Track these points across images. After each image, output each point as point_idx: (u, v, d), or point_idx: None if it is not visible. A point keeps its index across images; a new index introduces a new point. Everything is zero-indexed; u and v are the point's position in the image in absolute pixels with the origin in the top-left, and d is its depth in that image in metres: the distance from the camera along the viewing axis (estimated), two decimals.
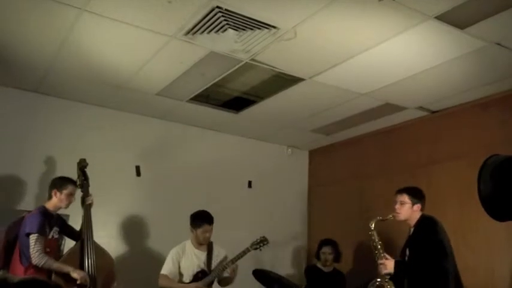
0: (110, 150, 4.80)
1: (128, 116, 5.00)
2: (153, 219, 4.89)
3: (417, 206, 3.44)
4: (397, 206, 3.47)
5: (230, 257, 4.06)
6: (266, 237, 4.19)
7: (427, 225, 3.35)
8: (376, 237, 3.48)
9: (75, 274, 3.45)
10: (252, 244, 4.12)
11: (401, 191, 3.51)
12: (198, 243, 4.07)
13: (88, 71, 3.99)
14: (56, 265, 3.45)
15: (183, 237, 4.18)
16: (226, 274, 4.05)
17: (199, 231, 4.02)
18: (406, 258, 3.40)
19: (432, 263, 3.15)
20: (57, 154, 4.48)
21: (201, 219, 4.06)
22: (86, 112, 4.76)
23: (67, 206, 3.71)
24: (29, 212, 3.69)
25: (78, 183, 3.88)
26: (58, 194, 3.63)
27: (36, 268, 3.37)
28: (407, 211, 3.43)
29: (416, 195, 3.48)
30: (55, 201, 3.64)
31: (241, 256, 4.00)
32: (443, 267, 3.14)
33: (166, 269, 3.98)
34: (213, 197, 5.07)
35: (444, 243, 3.23)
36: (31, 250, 3.37)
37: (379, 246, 3.44)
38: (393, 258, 3.37)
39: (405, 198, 3.45)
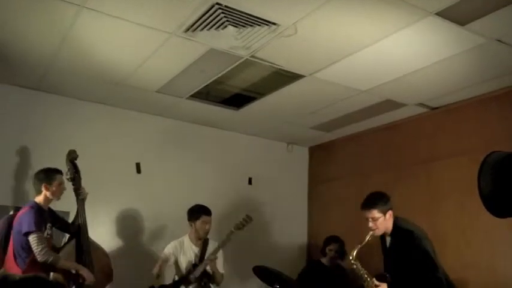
0: (110, 148, 4.81)
1: (128, 113, 5.00)
2: (153, 216, 4.89)
3: (389, 214, 3.24)
4: (371, 224, 3.22)
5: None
6: (249, 215, 4.12)
7: (405, 239, 3.16)
8: (359, 267, 3.25)
9: (83, 272, 3.43)
10: (235, 225, 4.06)
11: (367, 207, 3.25)
12: (197, 238, 4.07)
13: (88, 68, 3.99)
14: (62, 262, 3.41)
15: (184, 234, 4.19)
16: (220, 269, 4.03)
17: (198, 222, 4.01)
18: (389, 272, 3.28)
19: (426, 278, 3.02)
20: (56, 151, 4.46)
21: (200, 210, 4.06)
22: (86, 109, 4.76)
23: (59, 198, 3.59)
24: (17, 208, 3.62)
25: (69, 176, 3.75)
26: (49, 187, 3.50)
27: (33, 269, 3.28)
28: (382, 224, 3.22)
29: (384, 203, 3.25)
30: (47, 195, 3.51)
31: (227, 240, 3.97)
32: (438, 278, 3.02)
33: (165, 253, 4.02)
34: (213, 194, 5.07)
35: (430, 253, 3.08)
36: (35, 249, 3.29)
37: (366, 275, 3.23)
38: (383, 282, 3.18)
39: (375, 213, 3.21)
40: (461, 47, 3.34)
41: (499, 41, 3.23)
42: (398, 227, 3.24)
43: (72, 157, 3.84)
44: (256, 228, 5.30)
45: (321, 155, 6.03)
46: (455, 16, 2.95)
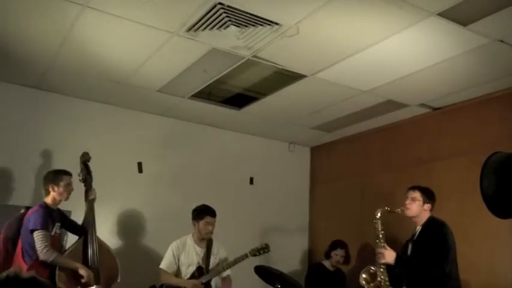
0: (111, 147, 4.81)
1: (130, 113, 5.00)
2: (154, 216, 4.90)
3: (428, 206, 3.42)
4: (408, 202, 3.44)
5: (230, 257, 4.06)
6: (268, 244, 4.17)
7: (436, 227, 3.32)
8: (379, 226, 3.43)
9: (83, 271, 3.43)
10: (252, 250, 4.10)
11: (414, 188, 3.50)
12: (200, 238, 4.07)
13: (89, 67, 3.99)
14: (63, 261, 3.43)
15: (185, 233, 4.19)
16: (224, 274, 4.08)
17: (202, 223, 4.03)
18: (408, 254, 3.40)
19: (436, 265, 3.15)
20: (57, 150, 4.48)
21: (204, 211, 4.07)
22: (87, 109, 4.76)
23: (67, 198, 3.63)
24: (27, 207, 3.66)
25: (81, 177, 3.83)
26: (56, 187, 3.55)
27: (40, 266, 3.31)
28: (417, 208, 3.41)
29: (429, 195, 3.46)
30: (54, 196, 3.56)
31: (240, 261, 4.01)
32: (445, 270, 3.14)
33: (166, 263, 4.02)
34: (215, 194, 5.07)
35: (450, 247, 3.23)
36: (37, 246, 3.32)
37: (380, 236, 3.41)
38: (394, 251, 3.36)
39: (417, 195, 3.43)
40: (463, 47, 3.33)
41: (501, 41, 3.22)
42: (433, 219, 3.41)
43: (85, 159, 3.91)
44: (257, 228, 5.32)
45: (322, 155, 6.03)
46: (457, 16, 2.95)
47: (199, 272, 3.98)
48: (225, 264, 4.04)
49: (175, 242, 4.09)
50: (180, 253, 4.04)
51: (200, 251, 4.07)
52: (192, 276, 3.97)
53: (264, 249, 4.13)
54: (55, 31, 3.40)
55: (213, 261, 4.09)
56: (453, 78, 3.86)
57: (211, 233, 4.08)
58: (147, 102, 4.79)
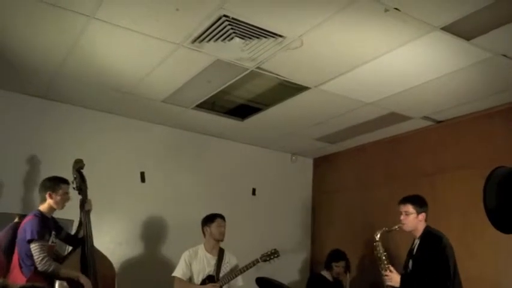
0: (115, 156, 4.83)
1: (134, 123, 5.03)
2: (157, 226, 4.89)
3: (422, 216, 3.42)
4: (403, 217, 3.44)
5: (240, 265, 4.05)
6: (277, 249, 4.17)
7: (432, 242, 3.30)
8: (380, 248, 3.48)
9: (83, 280, 3.42)
10: (262, 256, 4.10)
11: (404, 201, 3.48)
12: (211, 247, 4.07)
13: (95, 77, 4.02)
14: (63, 271, 3.41)
15: (187, 243, 4.19)
16: (238, 284, 4.06)
17: (214, 226, 4.05)
18: (409, 270, 3.38)
19: (439, 284, 3.13)
20: (61, 159, 4.48)
21: (214, 215, 4.11)
22: (91, 118, 4.79)
23: (63, 207, 3.59)
24: (21, 216, 3.62)
25: (75, 185, 3.76)
26: (53, 195, 3.52)
27: (38, 277, 3.29)
28: (413, 221, 3.41)
29: (420, 203, 3.45)
30: (51, 204, 3.53)
31: (251, 267, 4.01)
32: (447, 287, 3.12)
33: (179, 271, 3.99)
34: (217, 204, 5.05)
35: (450, 262, 3.19)
36: (36, 257, 3.30)
37: (383, 258, 3.45)
38: (397, 271, 3.35)
39: (409, 208, 3.42)
40: (466, 61, 3.35)
41: (504, 55, 3.23)
42: (429, 231, 3.40)
43: (78, 166, 3.84)
44: (259, 239, 5.30)
45: (325, 167, 6.03)
46: (460, 31, 2.97)
47: (210, 280, 3.97)
48: (235, 271, 4.02)
49: (188, 250, 4.09)
50: (192, 261, 4.02)
51: (211, 258, 4.07)
52: (202, 283, 3.96)
53: (274, 254, 4.12)
54: (61, 41, 3.43)
55: (224, 269, 4.08)
56: (456, 92, 3.87)
57: (224, 234, 4.08)
58: (152, 112, 4.81)
